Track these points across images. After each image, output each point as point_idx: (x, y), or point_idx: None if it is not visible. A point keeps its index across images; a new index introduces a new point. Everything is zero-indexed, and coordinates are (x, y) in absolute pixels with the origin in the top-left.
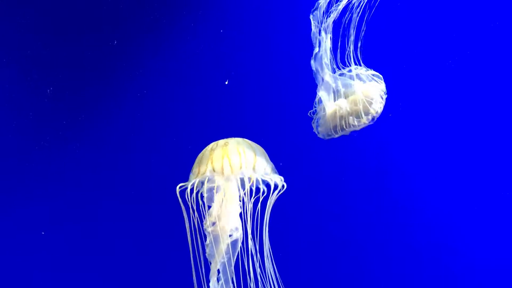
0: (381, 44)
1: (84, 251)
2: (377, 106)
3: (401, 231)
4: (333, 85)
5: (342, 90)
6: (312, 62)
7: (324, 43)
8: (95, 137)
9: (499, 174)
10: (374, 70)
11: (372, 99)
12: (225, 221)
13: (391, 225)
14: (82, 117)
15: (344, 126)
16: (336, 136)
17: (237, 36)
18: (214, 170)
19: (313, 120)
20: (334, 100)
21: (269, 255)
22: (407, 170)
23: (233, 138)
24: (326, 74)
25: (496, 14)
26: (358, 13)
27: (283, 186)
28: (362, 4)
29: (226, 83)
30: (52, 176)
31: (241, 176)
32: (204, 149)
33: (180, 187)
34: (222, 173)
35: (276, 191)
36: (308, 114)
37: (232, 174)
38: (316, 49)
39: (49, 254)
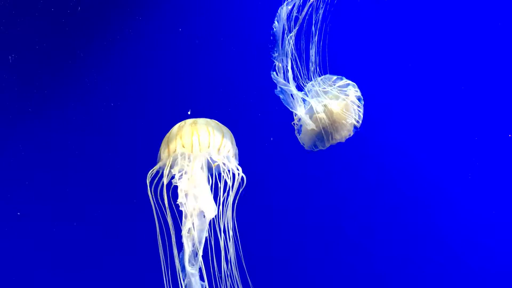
0: (351, 50)
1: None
2: (355, 116)
3: (384, 230)
4: (302, 102)
5: (316, 105)
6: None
7: (282, 65)
8: (57, 110)
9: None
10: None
11: (348, 110)
12: (195, 200)
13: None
14: (44, 86)
15: (330, 139)
16: (323, 147)
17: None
18: (183, 146)
19: (296, 132)
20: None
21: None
22: (393, 170)
23: (202, 118)
24: (294, 93)
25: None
26: (318, 21)
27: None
28: (321, 12)
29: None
30: (9, 146)
31: (208, 156)
32: (172, 128)
33: (151, 177)
34: (191, 150)
35: (236, 181)
36: (292, 123)
37: (200, 152)
38: (281, 82)
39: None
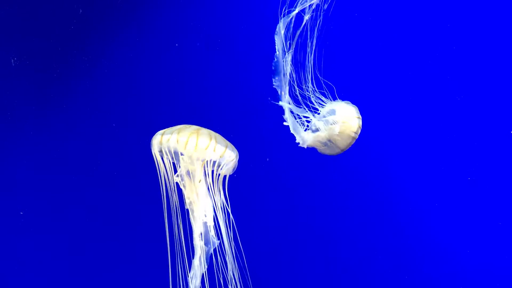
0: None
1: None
2: (356, 127)
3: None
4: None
5: (320, 124)
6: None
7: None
8: (60, 112)
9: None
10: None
11: (349, 122)
12: (196, 200)
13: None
14: (47, 88)
15: (333, 152)
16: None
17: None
18: (177, 142)
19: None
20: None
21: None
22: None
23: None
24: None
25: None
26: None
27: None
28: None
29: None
30: (12, 149)
31: (203, 159)
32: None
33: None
34: (185, 147)
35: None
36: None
37: (195, 152)
38: (292, 107)
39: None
